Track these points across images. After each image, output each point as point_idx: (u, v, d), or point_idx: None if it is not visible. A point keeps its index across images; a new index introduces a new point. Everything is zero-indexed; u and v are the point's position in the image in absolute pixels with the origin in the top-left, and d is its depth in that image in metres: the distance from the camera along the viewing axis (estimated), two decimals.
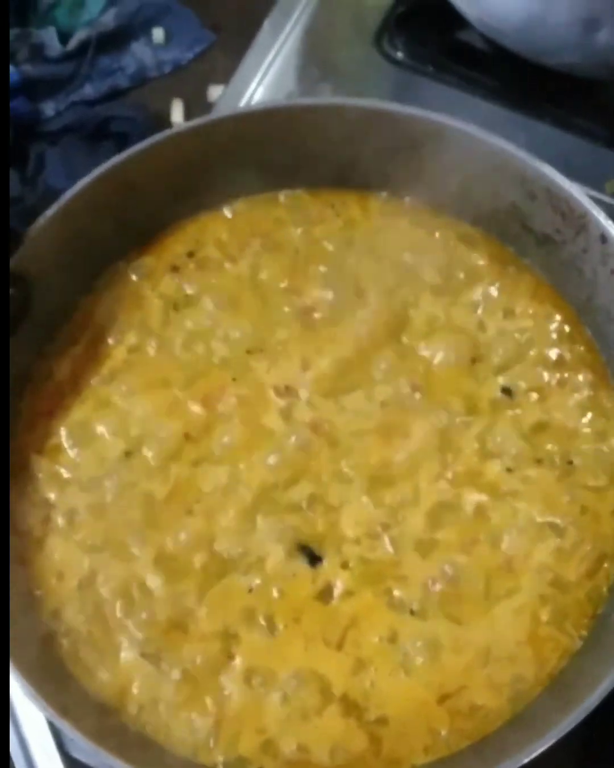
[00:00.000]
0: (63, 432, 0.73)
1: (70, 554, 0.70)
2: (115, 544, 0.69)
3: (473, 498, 0.70)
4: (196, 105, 0.97)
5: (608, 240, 0.69)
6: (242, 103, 0.88)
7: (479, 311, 0.75)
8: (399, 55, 0.88)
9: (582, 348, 0.74)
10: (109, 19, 0.98)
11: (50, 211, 0.70)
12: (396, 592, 0.68)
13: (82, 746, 0.62)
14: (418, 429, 0.72)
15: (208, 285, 0.76)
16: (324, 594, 0.68)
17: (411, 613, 0.68)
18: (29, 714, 0.73)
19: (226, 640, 0.67)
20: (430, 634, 0.67)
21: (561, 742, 0.60)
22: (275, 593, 0.68)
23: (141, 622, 0.68)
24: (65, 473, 0.72)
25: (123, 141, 0.93)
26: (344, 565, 0.69)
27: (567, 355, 0.74)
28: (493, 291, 0.76)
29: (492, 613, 0.68)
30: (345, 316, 0.75)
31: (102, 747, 0.61)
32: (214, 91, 0.97)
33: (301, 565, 0.68)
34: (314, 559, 0.68)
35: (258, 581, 0.68)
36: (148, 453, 0.71)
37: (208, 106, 0.95)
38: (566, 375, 0.73)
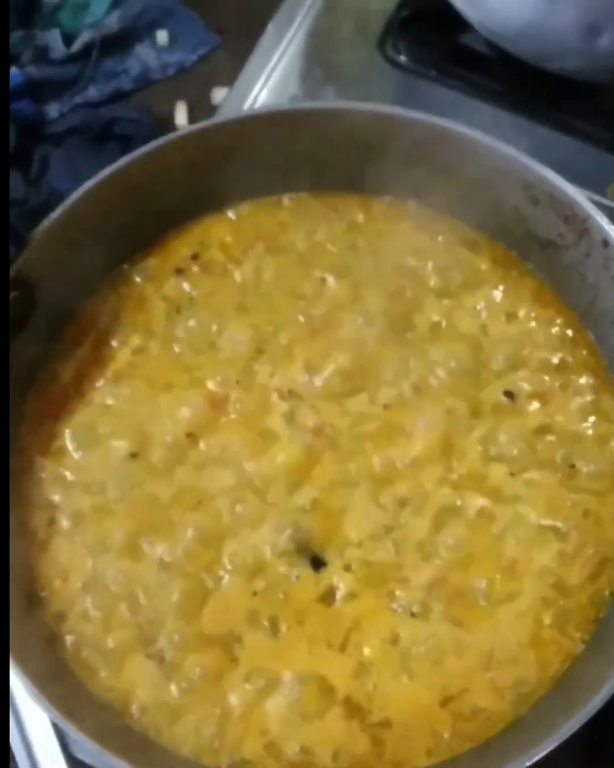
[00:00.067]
0: (67, 434, 0.73)
1: (75, 556, 0.70)
2: (120, 546, 0.69)
3: (475, 501, 0.70)
4: (200, 107, 0.97)
5: (610, 244, 0.69)
6: (246, 105, 0.88)
7: (482, 315, 0.75)
8: (403, 58, 0.88)
9: (584, 352, 0.74)
10: (113, 22, 0.98)
11: (54, 214, 0.70)
12: (399, 595, 0.68)
13: (86, 747, 0.62)
14: (421, 432, 0.72)
15: (211, 288, 0.76)
16: (328, 596, 0.68)
17: (414, 615, 0.68)
18: (33, 715, 0.73)
19: (230, 642, 0.67)
20: (433, 636, 0.67)
21: (563, 745, 0.60)
22: (279, 596, 0.68)
23: (145, 624, 0.68)
24: (69, 475, 0.72)
25: (127, 143, 0.92)
26: (347, 568, 0.69)
27: (570, 359, 0.74)
28: (496, 295, 0.76)
29: (494, 617, 0.68)
30: (348, 320, 0.75)
31: (106, 748, 0.61)
32: (218, 94, 0.97)
33: (305, 567, 0.68)
34: (317, 562, 0.69)
35: (262, 584, 0.68)
36: (152, 455, 0.71)
37: (211, 109, 0.95)
38: (568, 379, 0.74)
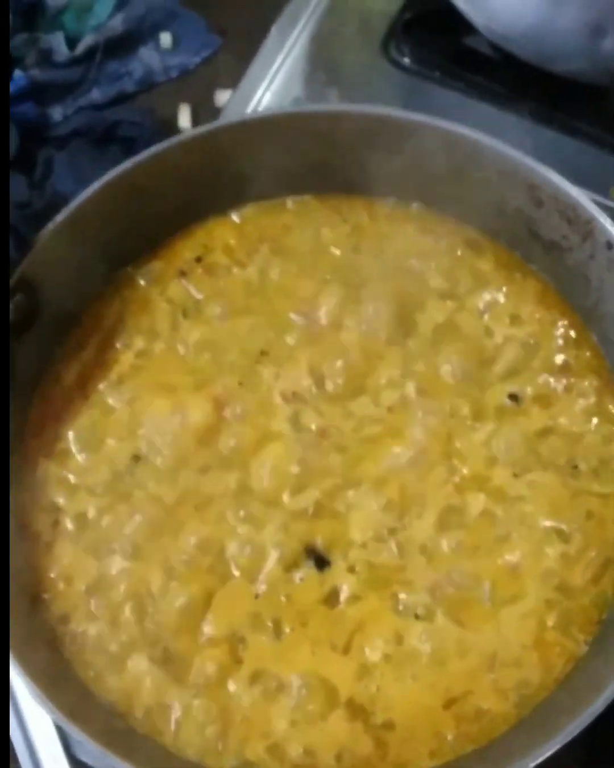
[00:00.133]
0: (71, 436, 0.73)
1: (79, 558, 0.70)
2: (124, 548, 0.70)
3: (479, 503, 0.70)
4: (203, 110, 0.97)
5: None
6: (249, 108, 0.88)
7: (485, 317, 0.75)
8: (406, 60, 0.88)
9: (588, 353, 0.75)
10: (117, 24, 0.98)
11: (59, 217, 0.71)
12: (402, 597, 0.68)
13: (89, 749, 0.63)
14: (424, 434, 0.72)
15: (216, 290, 0.76)
16: (331, 598, 0.68)
17: (417, 617, 0.68)
18: (36, 717, 0.73)
19: (234, 644, 0.67)
20: (436, 638, 0.67)
21: (565, 747, 0.60)
22: (282, 598, 0.68)
23: (149, 626, 0.68)
24: (73, 478, 0.72)
25: (130, 145, 0.93)
26: (351, 570, 0.69)
27: (573, 361, 0.74)
28: (500, 297, 0.76)
29: (498, 618, 0.68)
30: (352, 322, 0.75)
31: (109, 750, 0.62)
32: (221, 96, 0.97)
33: (309, 569, 0.69)
34: (322, 563, 0.69)
35: (266, 586, 0.68)
36: (156, 458, 0.72)
37: (214, 111, 0.95)
38: (572, 381, 0.74)
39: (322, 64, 0.89)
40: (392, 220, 0.78)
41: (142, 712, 0.67)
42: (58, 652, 0.68)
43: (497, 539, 0.70)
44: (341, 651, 0.67)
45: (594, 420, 0.73)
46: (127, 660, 0.67)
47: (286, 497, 0.70)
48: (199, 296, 0.76)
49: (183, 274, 0.77)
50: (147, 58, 0.99)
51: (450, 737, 0.66)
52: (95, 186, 0.71)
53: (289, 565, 0.69)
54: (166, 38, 1.00)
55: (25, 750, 0.73)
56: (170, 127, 0.96)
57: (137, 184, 0.73)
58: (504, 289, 0.76)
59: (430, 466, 0.71)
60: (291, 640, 0.67)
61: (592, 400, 0.73)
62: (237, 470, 0.71)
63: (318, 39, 0.90)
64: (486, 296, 0.76)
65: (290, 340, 0.74)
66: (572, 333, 0.75)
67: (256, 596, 0.68)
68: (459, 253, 0.77)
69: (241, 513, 0.70)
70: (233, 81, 0.91)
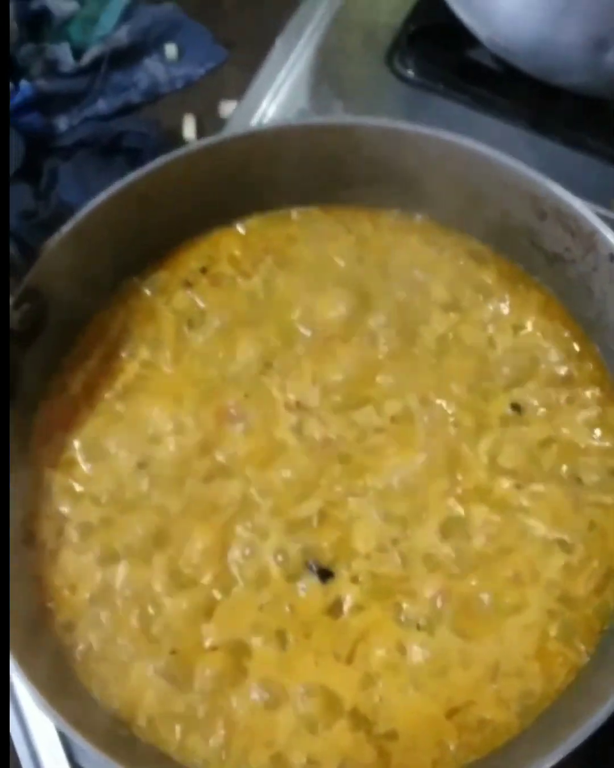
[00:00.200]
0: (77, 446, 0.73)
1: (84, 567, 0.70)
2: (129, 558, 0.70)
3: (482, 513, 0.70)
4: (208, 121, 0.97)
5: None
6: (254, 120, 0.88)
7: (489, 328, 0.75)
8: (410, 73, 0.88)
9: (590, 365, 0.75)
10: (122, 35, 0.98)
11: (66, 227, 0.71)
12: (405, 607, 0.68)
13: (93, 757, 0.63)
14: (428, 444, 0.72)
15: (220, 301, 0.77)
16: (334, 608, 0.68)
17: (420, 628, 0.68)
18: (39, 724, 0.73)
19: (237, 654, 0.67)
20: (438, 648, 0.67)
21: (568, 757, 0.60)
22: (286, 608, 0.68)
23: (153, 635, 0.68)
24: (78, 487, 0.72)
25: (135, 156, 0.93)
26: (354, 580, 0.69)
27: (576, 373, 0.74)
28: (503, 308, 0.76)
29: (500, 629, 0.68)
30: (355, 333, 0.75)
31: (112, 758, 0.62)
32: (226, 107, 0.97)
33: (312, 580, 0.69)
34: (325, 574, 0.69)
35: (269, 595, 0.68)
36: (161, 467, 0.72)
37: (219, 122, 0.96)
38: (575, 392, 0.74)
39: (327, 76, 0.89)
40: (396, 231, 0.78)
41: (146, 721, 0.67)
42: (62, 660, 0.68)
43: (499, 550, 0.70)
44: (344, 661, 0.67)
45: (597, 431, 0.73)
46: (131, 669, 0.68)
47: (289, 507, 0.70)
48: (203, 306, 0.76)
49: (188, 284, 0.77)
50: (152, 69, 0.99)
51: (452, 747, 0.66)
52: (103, 196, 0.71)
53: (293, 576, 0.69)
54: (171, 49, 1.00)
55: (29, 757, 0.73)
56: (175, 137, 0.96)
57: (144, 195, 0.73)
58: (508, 300, 0.76)
59: (433, 476, 0.71)
60: (294, 650, 0.67)
61: (595, 411, 0.73)
62: (241, 480, 0.71)
63: (323, 51, 0.90)
64: (490, 308, 0.76)
65: (294, 350, 0.75)
66: (574, 344, 0.75)
67: (260, 606, 0.68)
68: (462, 264, 0.77)
69: (245, 523, 0.70)
70: (238, 92, 0.91)
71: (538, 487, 0.71)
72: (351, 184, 0.77)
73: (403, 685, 0.67)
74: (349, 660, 0.67)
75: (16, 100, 0.93)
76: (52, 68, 0.97)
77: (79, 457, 0.73)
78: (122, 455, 0.72)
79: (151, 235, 0.76)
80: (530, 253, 0.76)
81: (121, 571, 0.69)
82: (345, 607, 0.68)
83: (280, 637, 0.68)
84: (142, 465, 0.72)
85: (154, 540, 0.70)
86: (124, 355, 0.75)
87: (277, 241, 0.78)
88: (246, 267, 0.78)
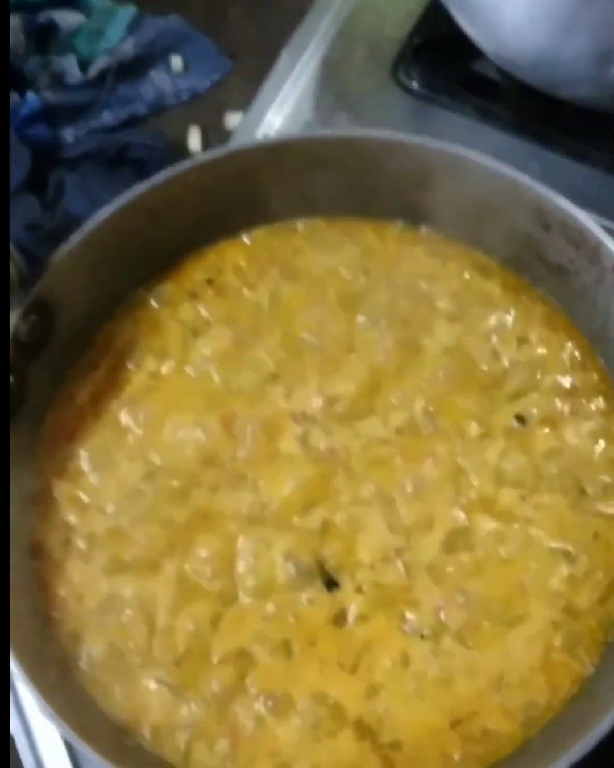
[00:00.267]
0: (83, 456, 0.73)
1: (90, 577, 0.70)
2: (135, 568, 0.70)
3: (486, 524, 0.70)
4: (213, 132, 0.97)
5: None
6: (259, 131, 0.88)
7: (493, 339, 0.76)
8: (415, 85, 0.88)
9: (595, 376, 0.75)
10: (128, 48, 0.99)
11: (74, 238, 0.71)
12: (409, 617, 0.68)
13: (98, 766, 0.62)
14: (433, 455, 0.72)
15: (226, 312, 0.77)
16: (339, 618, 0.68)
17: (424, 638, 0.68)
18: (45, 734, 0.73)
19: (242, 663, 0.67)
20: (443, 659, 0.67)
21: None
22: (291, 618, 0.68)
23: (159, 645, 0.68)
24: (85, 497, 0.72)
25: (141, 167, 0.94)
26: (358, 590, 0.69)
27: (580, 384, 0.74)
28: (507, 320, 0.76)
29: (504, 639, 0.68)
30: (360, 343, 0.75)
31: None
32: (231, 119, 0.97)
33: (317, 589, 0.69)
34: (330, 583, 0.69)
35: (274, 605, 0.68)
36: (167, 478, 0.72)
37: (224, 134, 0.96)
38: (579, 403, 0.74)
39: (332, 88, 0.89)
40: (401, 242, 0.79)
41: (151, 731, 0.67)
42: (68, 669, 0.68)
43: (503, 560, 0.70)
44: (349, 671, 0.67)
45: (601, 442, 0.73)
46: (137, 678, 0.68)
47: (294, 517, 0.70)
48: (209, 318, 0.77)
49: (194, 295, 0.77)
50: (158, 81, 1.00)
51: (456, 757, 0.66)
52: (110, 208, 0.71)
53: (298, 586, 0.69)
54: (176, 61, 1.01)
55: (34, 766, 0.73)
56: (180, 149, 0.97)
57: (150, 207, 0.73)
58: (512, 312, 0.76)
59: (438, 487, 0.71)
60: (299, 660, 0.68)
61: (599, 422, 0.73)
62: (246, 490, 0.71)
63: (328, 63, 0.90)
64: (494, 319, 0.76)
65: (300, 361, 0.75)
66: (579, 356, 0.75)
67: (265, 616, 0.68)
68: (467, 276, 0.78)
69: (251, 533, 0.70)
70: (243, 104, 0.91)
71: (543, 498, 0.71)
72: (356, 196, 0.77)
73: (408, 695, 0.67)
74: (354, 670, 0.67)
75: (22, 112, 0.94)
76: (58, 80, 0.98)
77: (86, 468, 0.73)
78: (128, 466, 0.72)
79: (157, 246, 0.76)
80: (534, 264, 0.76)
81: (127, 582, 0.70)
82: (350, 617, 0.68)
83: (285, 647, 0.68)
84: (148, 475, 0.72)
85: (159, 550, 0.70)
86: (130, 366, 0.75)
87: (282, 253, 0.78)
88: (251, 278, 0.78)
